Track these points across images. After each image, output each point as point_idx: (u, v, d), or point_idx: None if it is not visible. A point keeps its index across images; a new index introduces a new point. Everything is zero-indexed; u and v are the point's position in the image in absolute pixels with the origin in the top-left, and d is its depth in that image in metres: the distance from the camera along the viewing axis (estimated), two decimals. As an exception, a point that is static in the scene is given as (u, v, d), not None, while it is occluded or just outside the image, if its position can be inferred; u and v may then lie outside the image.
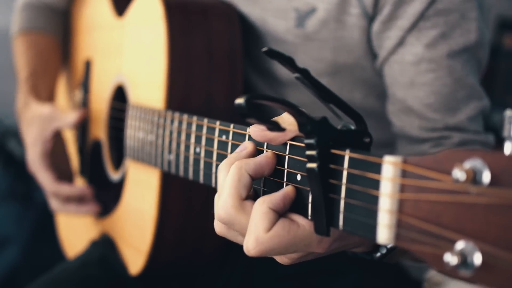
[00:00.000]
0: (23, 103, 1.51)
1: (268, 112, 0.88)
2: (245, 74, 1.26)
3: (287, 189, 0.71)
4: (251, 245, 0.69)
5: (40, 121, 1.44)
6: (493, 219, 0.52)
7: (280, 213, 0.71)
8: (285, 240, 0.69)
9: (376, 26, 1.10)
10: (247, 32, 1.23)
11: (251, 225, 0.69)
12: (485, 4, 1.11)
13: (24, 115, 1.50)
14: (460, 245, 0.54)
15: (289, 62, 0.69)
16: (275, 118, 0.73)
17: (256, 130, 0.75)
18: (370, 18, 1.11)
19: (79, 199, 1.43)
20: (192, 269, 1.28)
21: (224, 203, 0.72)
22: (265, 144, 0.77)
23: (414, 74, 1.08)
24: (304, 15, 1.14)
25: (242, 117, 0.64)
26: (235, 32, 1.20)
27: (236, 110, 0.64)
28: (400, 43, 1.09)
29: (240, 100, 0.63)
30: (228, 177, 0.73)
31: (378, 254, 0.84)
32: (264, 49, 0.69)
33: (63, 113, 1.43)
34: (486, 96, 1.11)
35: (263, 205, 0.69)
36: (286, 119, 0.72)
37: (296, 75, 0.70)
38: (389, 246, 0.76)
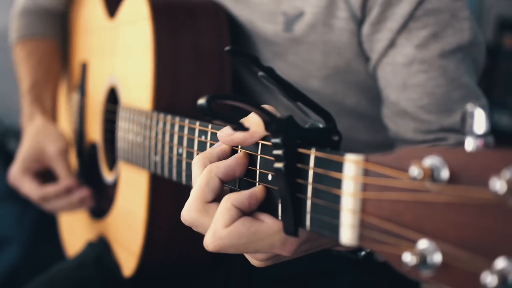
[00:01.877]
0: (28, 115, 1.50)
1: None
2: (241, 77, 1.25)
3: (255, 189, 0.71)
4: (209, 239, 0.69)
5: (41, 150, 1.42)
6: (452, 218, 0.51)
7: (244, 212, 0.70)
8: (244, 237, 0.68)
9: (366, 29, 1.08)
10: (237, 33, 1.21)
11: (213, 221, 0.69)
12: (485, 4, 1.08)
13: (28, 127, 1.48)
14: (420, 244, 0.52)
15: (253, 61, 0.68)
16: (242, 119, 0.72)
17: (223, 136, 0.74)
18: (359, 21, 1.09)
19: (67, 192, 1.42)
20: (185, 270, 1.27)
21: (187, 206, 0.72)
22: None
23: (406, 75, 1.06)
24: (292, 19, 1.13)
25: (204, 117, 0.63)
26: (223, 31, 1.19)
27: (199, 111, 0.63)
28: (391, 45, 1.06)
29: (201, 101, 0.62)
30: (198, 180, 0.72)
31: (363, 253, 0.82)
32: (227, 48, 0.68)
33: (69, 175, 1.41)
34: (484, 96, 1.08)
35: (227, 202, 0.69)
36: (253, 120, 0.70)
37: (261, 73, 0.68)
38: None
